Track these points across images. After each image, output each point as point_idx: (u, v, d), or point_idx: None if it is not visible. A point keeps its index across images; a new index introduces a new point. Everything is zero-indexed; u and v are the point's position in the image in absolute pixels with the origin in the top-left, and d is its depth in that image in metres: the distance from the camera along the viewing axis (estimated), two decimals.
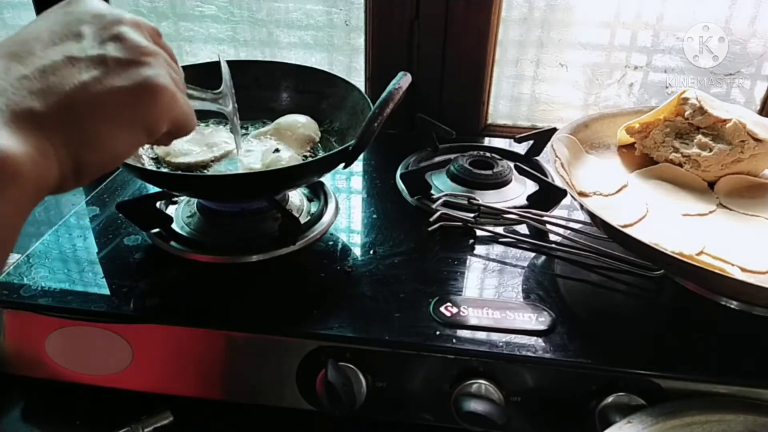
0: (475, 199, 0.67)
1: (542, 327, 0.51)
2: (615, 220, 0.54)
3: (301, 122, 0.67)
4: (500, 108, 0.92)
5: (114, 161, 0.31)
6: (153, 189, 0.65)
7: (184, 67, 0.67)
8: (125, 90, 0.31)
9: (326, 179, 0.69)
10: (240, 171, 0.61)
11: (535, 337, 0.50)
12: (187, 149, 0.63)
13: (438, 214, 0.64)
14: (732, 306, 0.55)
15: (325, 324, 0.51)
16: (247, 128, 0.69)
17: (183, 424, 0.53)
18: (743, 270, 0.53)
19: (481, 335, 0.50)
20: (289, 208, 0.64)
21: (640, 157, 0.72)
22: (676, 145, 0.68)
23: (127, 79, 0.31)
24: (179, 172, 0.60)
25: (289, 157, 0.62)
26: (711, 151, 0.65)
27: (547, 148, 0.67)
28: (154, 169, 0.61)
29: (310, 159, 0.63)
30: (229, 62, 0.71)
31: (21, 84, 0.28)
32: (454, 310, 0.52)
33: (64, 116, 0.29)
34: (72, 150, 0.29)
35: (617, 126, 0.73)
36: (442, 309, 0.52)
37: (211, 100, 0.51)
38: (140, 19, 0.35)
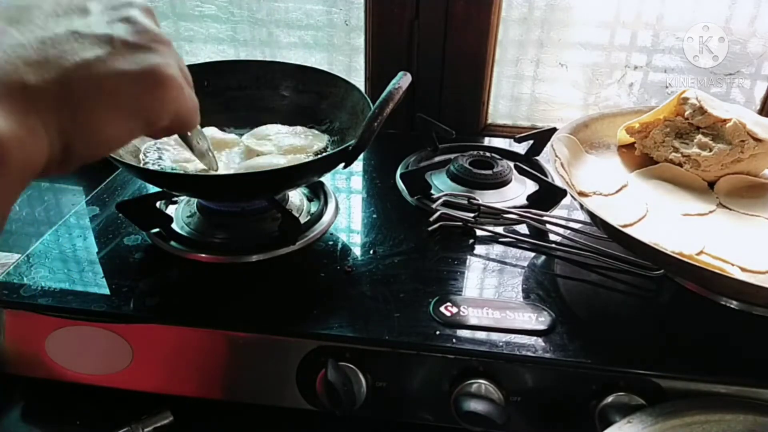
0: (475, 199, 0.67)
1: (542, 327, 0.51)
2: (615, 220, 0.54)
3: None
4: (500, 108, 0.92)
5: (106, 149, 0.29)
6: (153, 189, 0.65)
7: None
8: (130, 74, 0.29)
9: (326, 179, 0.69)
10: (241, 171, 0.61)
11: (535, 337, 0.50)
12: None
13: (438, 214, 0.64)
14: (732, 306, 0.55)
15: (325, 324, 0.51)
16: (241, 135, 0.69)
17: (183, 424, 0.53)
18: (743, 270, 0.53)
19: (481, 335, 0.50)
20: (289, 208, 0.64)
21: (640, 157, 0.72)
22: (676, 144, 0.68)
23: (133, 63, 0.29)
24: (179, 172, 0.60)
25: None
26: (711, 150, 0.65)
27: (547, 148, 0.67)
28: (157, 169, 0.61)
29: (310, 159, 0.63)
30: (229, 62, 0.72)
31: (15, 53, 0.26)
32: (454, 309, 0.52)
33: (60, 94, 0.26)
34: (63, 131, 0.27)
35: (617, 126, 0.73)
36: (442, 309, 0.52)
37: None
38: (151, 7, 0.33)
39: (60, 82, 0.26)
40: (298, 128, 0.68)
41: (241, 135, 0.68)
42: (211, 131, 0.66)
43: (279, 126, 0.68)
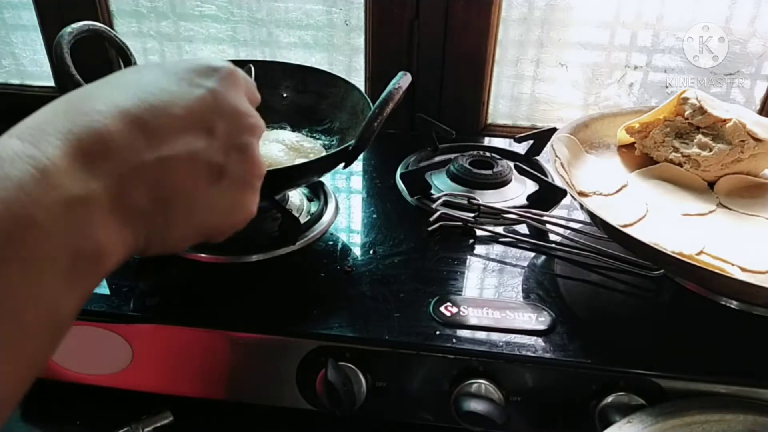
0: (475, 198, 0.67)
1: (542, 327, 0.51)
2: (615, 219, 0.54)
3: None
4: (500, 108, 0.92)
5: (171, 252, 0.30)
6: None
7: None
8: (224, 210, 0.30)
9: (326, 179, 0.69)
10: None
11: (535, 337, 0.50)
12: None
13: (438, 213, 0.64)
14: (732, 306, 0.55)
15: (325, 324, 0.51)
16: None
17: (183, 424, 0.53)
18: (743, 270, 0.53)
19: (481, 335, 0.50)
20: (289, 207, 0.63)
21: (640, 157, 0.72)
22: (676, 144, 0.68)
23: (231, 199, 0.30)
24: None
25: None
26: (711, 150, 0.65)
27: (547, 148, 0.67)
28: None
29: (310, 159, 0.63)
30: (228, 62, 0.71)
31: (137, 172, 0.26)
32: (454, 309, 0.52)
33: (161, 213, 0.27)
34: (148, 241, 0.28)
35: (617, 126, 0.73)
36: (442, 309, 0.52)
37: None
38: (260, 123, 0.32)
39: (165, 203, 0.27)
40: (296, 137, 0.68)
41: None
42: None
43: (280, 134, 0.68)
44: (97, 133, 0.24)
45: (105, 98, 0.26)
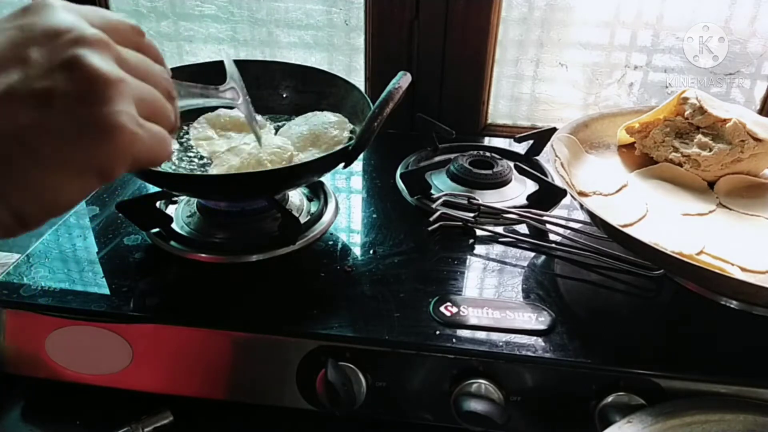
0: (475, 198, 0.67)
1: (542, 327, 0.51)
2: (615, 219, 0.54)
3: (332, 123, 0.66)
4: (500, 108, 0.92)
5: (62, 209, 0.27)
6: (153, 189, 0.65)
7: (184, 67, 0.67)
8: (72, 133, 0.26)
9: (326, 179, 0.69)
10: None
11: (535, 337, 0.50)
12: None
13: (438, 213, 0.64)
14: (732, 306, 0.55)
15: (325, 324, 0.51)
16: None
17: (183, 424, 0.53)
18: (743, 270, 0.53)
19: (481, 335, 0.50)
20: (289, 207, 0.63)
21: (640, 157, 0.72)
22: (675, 144, 0.68)
23: (74, 119, 0.26)
24: (179, 172, 0.60)
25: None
26: (711, 150, 0.65)
27: (547, 148, 0.67)
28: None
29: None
30: None
31: None
32: (454, 309, 0.52)
33: (4, 171, 0.25)
34: (8, 201, 0.25)
35: (617, 126, 0.73)
36: (442, 309, 0.52)
37: (216, 96, 0.48)
38: (114, 23, 0.30)
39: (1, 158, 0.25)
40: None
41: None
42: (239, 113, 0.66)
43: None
44: None
45: None
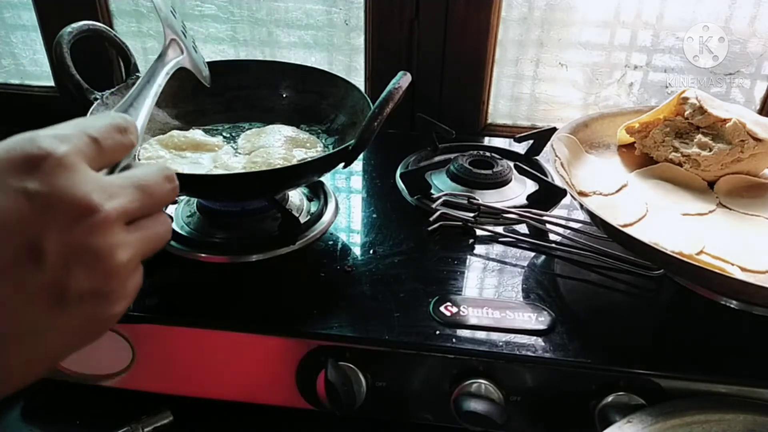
0: (475, 198, 0.67)
1: (542, 326, 0.51)
2: (615, 219, 0.54)
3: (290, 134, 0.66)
4: (500, 107, 0.92)
5: (23, 384, 0.26)
6: None
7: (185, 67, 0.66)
8: (74, 332, 0.25)
9: (326, 179, 0.69)
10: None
11: (534, 337, 0.50)
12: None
13: (438, 213, 0.64)
14: (732, 306, 0.55)
15: (325, 324, 0.51)
16: (242, 129, 0.69)
17: (183, 424, 0.53)
18: (743, 270, 0.53)
19: (481, 335, 0.50)
20: (289, 207, 0.63)
21: (640, 157, 0.72)
22: (675, 144, 0.68)
23: (83, 319, 0.25)
24: (178, 172, 0.60)
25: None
26: (711, 150, 0.65)
27: (547, 148, 0.67)
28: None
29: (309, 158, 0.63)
30: (229, 62, 0.72)
31: None
32: (454, 309, 0.52)
33: None
34: (6, 380, 0.25)
35: (617, 126, 0.73)
36: (441, 308, 0.52)
37: (164, 69, 0.44)
38: (107, 141, 0.27)
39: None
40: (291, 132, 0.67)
41: (239, 134, 0.68)
42: (195, 133, 0.66)
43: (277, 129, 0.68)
44: None
45: None
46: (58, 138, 0.24)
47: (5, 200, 0.23)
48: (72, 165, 0.24)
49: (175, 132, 0.65)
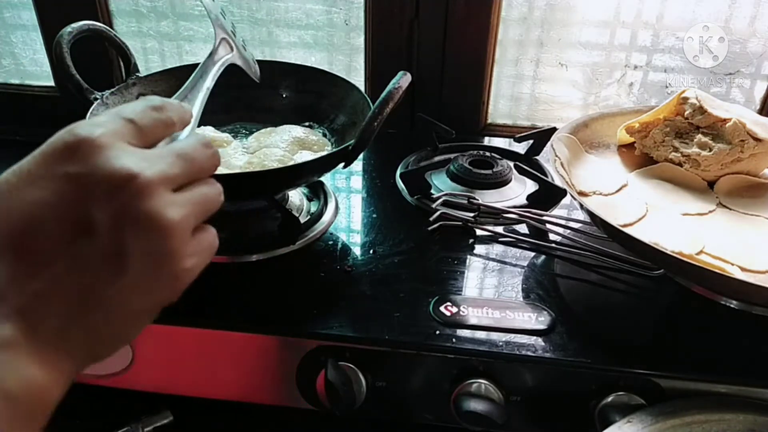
0: (475, 198, 0.67)
1: (542, 326, 0.51)
2: (615, 219, 0.54)
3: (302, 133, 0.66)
4: (500, 107, 0.92)
5: (125, 345, 0.29)
6: None
7: (183, 67, 0.67)
8: (147, 287, 0.27)
9: (326, 179, 0.69)
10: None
11: (534, 337, 0.50)
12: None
13: (438, 213, 0.64)
14: (732, 306, 0.55)
15: (325, 324, 0.51)
16: (242, 131, 0.69)
17: (183, 424, 0.53)
18: (743, 270, 0.53)
19: (481, 335, 0.50)
20: (289, 207, 0.63)
21: (640, 157, 0.72)
22: (675, 144, 0.68)
23: (149, 275, 0.26)
24: None
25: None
26: (711, 150, 0.65)
27: (547, 148, 0.68)
28: None
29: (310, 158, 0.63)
30: None
31: (39, 302, 0.25)
32: (454, 309, 0.52)
33: (80, 327, 0.26)
34: (88, 353, 0.27)
35: (617, 126, 0.73)
36: (441, 308, 0.52)
37: (214, 67, 0.46)
38: (145, 121, 0.28)
39: (77, 317, 0.26)
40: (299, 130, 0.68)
41: (239, 134, 0.68)
42: (207, 130, 0.66)
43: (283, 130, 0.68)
44: None
45: None
46: (93, 124, 0.26)
47: (51, 186, 0.25)
48: (107, 144, 0.26)
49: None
